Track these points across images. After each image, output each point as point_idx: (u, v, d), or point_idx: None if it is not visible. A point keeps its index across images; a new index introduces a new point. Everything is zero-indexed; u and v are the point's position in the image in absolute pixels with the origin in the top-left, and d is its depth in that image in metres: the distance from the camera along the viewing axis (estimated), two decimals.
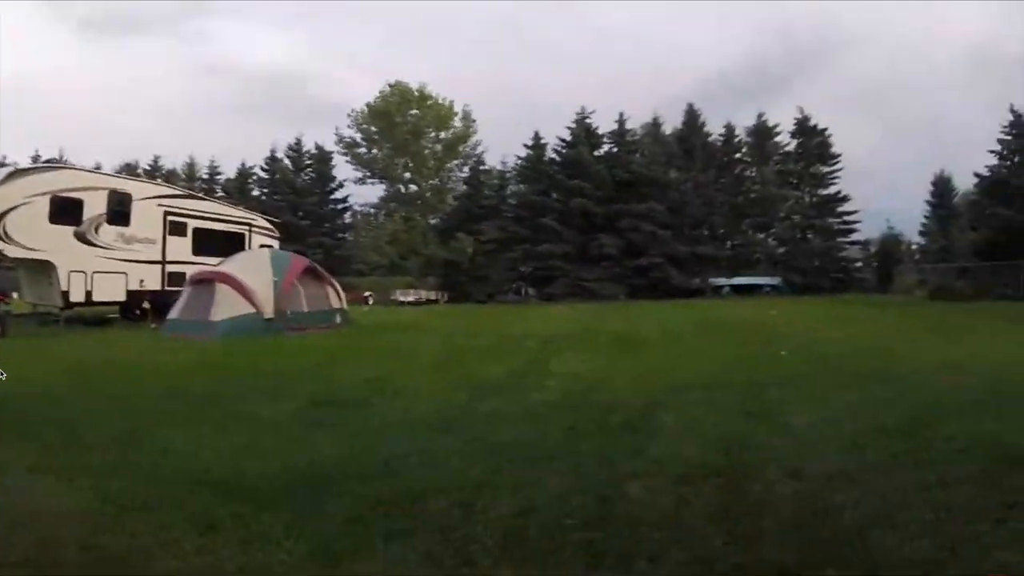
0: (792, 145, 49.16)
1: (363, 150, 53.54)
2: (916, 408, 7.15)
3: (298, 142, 52.50)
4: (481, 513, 4.00)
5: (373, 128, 52.47)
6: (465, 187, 50.27)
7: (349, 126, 53.01)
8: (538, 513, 4.03)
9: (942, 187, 48.52)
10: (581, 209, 42.89)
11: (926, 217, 49.31)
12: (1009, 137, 38.57)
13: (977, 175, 40.35)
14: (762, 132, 48.94)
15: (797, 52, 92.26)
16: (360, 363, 11.20)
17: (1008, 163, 38.44)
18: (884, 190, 77.14)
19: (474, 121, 53.15)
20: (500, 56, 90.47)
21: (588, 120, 46.38)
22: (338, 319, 18.08)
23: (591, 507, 4.18)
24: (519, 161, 47.95)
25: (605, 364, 11.17)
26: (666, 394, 8.13)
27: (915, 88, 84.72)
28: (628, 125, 47.06)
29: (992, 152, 39.22)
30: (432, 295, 40.98)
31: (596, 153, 45.95)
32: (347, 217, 55.15)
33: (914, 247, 52.33)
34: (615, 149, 46.54)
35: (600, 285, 41.32)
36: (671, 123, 49.67)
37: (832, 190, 48.28)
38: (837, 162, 47.94)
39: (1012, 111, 38.35)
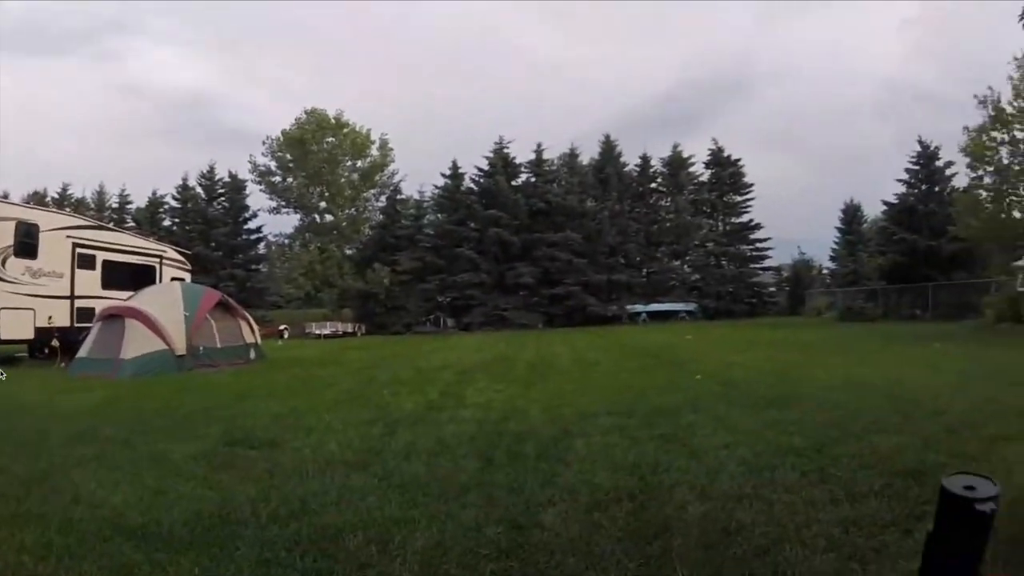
0: (706, 175, 52.90)
1: (278, 178, 53.58)
2: (823, 427, 7.89)
3: (211, 170, 53.12)
4: (398, 548, 4.25)
5: (288, 156, 52.55)
6: (382, 217, 51.42)
7: (263, 154, 53.06)
8: (454, 545, 4.32)
9: (852, 214, 52.74)
10: (498, 239, 44.79)
11: (836, 243, 53.52)
12: (916, 167, 42.93)
13: (885, 203, 44.82)
14: (677, 162, 52.22)
15: (713, 85, 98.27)
16: (273, 400, 11.40)
17: (915, 191, 42.58)
18: (796, 219, 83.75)
19: (391, 150, 53.97)
20: (419, 85, 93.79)
21: (506, 150, 48.57)
22: (252, 354, 18.39)
23: (505, 537, 4.49)
24: (436, 190, 49.32)
25: (520, 393, 11.65)
26: (579, 421, 8.67)
27: (828, 121, 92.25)
28: (546, 155, 49.36)
29: (900, 181, 43.44)
30: (349, 327, 41.64)
31: (514, 183, 47.99)
32: (261, 248, 55.17)
33: (825, 272, 56.54)
34: (532, 179, 48.77)
35: (517, 314, 43.40)
36: (588, 153, 52.21)
37: (745, 218, 52.52)
38: (749, 191, 52.22)
39: (920, 142, 43.00)
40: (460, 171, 49.12)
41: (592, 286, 46.22)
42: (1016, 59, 26.30)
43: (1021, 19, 8.29)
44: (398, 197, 52.05)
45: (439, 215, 49.87)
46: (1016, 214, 28.38)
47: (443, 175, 49.42)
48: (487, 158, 48.65)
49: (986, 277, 34.22)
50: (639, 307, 46.54)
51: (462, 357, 20.09)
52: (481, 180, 48.53)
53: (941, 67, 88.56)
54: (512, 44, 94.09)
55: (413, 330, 42.45)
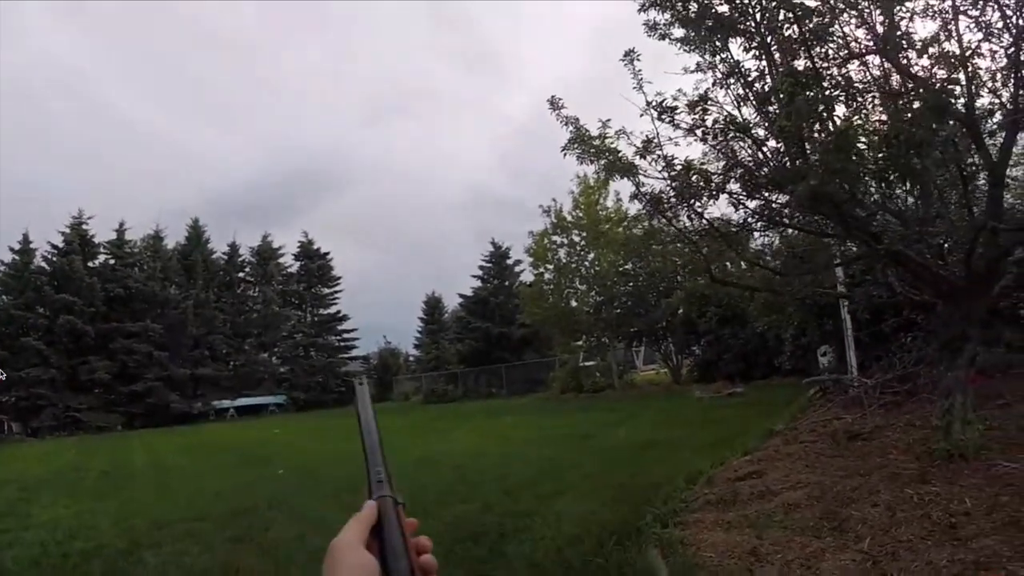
0: (295, 267, 54.20)
1: None
2: None
3: None
4: None
5: None
6: None
7: None
8: None
9: (433, 305, 56.43)
10: (70, 327, 40.46)
11: (419, 332, 56.88)
12: (489, 264, 48.06)
13: (462, 295, 49.00)
14: (266, 253, 52.86)
15: (305, 178, 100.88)
16: None
17: (488, 285, 47.62)
18: (382, 308, 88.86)
19: None
20: None
21: (85, 226, 44.42)
22: None
23: None
24: (1, 267, 42.52)
25: (89, 507, 11.16)
26: (151, 532, 8.63)
27: (416, 218, 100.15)
28: (128, 236, 46.41)
29: (475, 276, 48.33)
30: None
31: (91, 264, 44.04)
32: None
33: (411, 358, 58.98)
34: (112, 261, 45.30)
35: (93, 415, 39.54)
36: (174, 237, 50.07)
37: (332, 310, 54.82)
38: (338, 284, 54.80)
39: (492, 243, 48.49)
40: (31, 246, 43.10)
41: (175, 381, 43.92)
42: (578, 177, 31.34)
43: (563, 151, 9.67)
44: None
45: (3, 297, 42.62)
46: (573, 303, 33.51)
47: (11, 249, 42.68)
48: (63, 233, 43.69)
49: (552, 355, 38.97)
50: (226, 403, 45.10)
51: (27, 469, 18.55)
52: (54, 259, 43.06)
53: (518, 178, 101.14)
54: (95, 102, 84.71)
55: None
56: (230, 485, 12.56)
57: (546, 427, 17.69)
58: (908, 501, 5.59)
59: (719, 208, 10.58)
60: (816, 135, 7.92)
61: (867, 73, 8.48)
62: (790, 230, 11.56)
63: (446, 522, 7.67)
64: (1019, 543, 4.33)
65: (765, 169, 9.17)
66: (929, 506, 5.38)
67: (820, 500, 6.12)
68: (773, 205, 9.98)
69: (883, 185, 9.01)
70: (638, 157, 9.54)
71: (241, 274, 53.04)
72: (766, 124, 8.84)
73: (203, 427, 36.33)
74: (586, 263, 32.24)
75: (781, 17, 8.31)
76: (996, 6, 7.24)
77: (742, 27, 8.78)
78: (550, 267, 33.38)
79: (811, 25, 7.90)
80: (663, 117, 9.19)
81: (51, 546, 8.36)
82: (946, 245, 10.00)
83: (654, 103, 9.20)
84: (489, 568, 6.12)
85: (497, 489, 9.55)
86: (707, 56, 9.35)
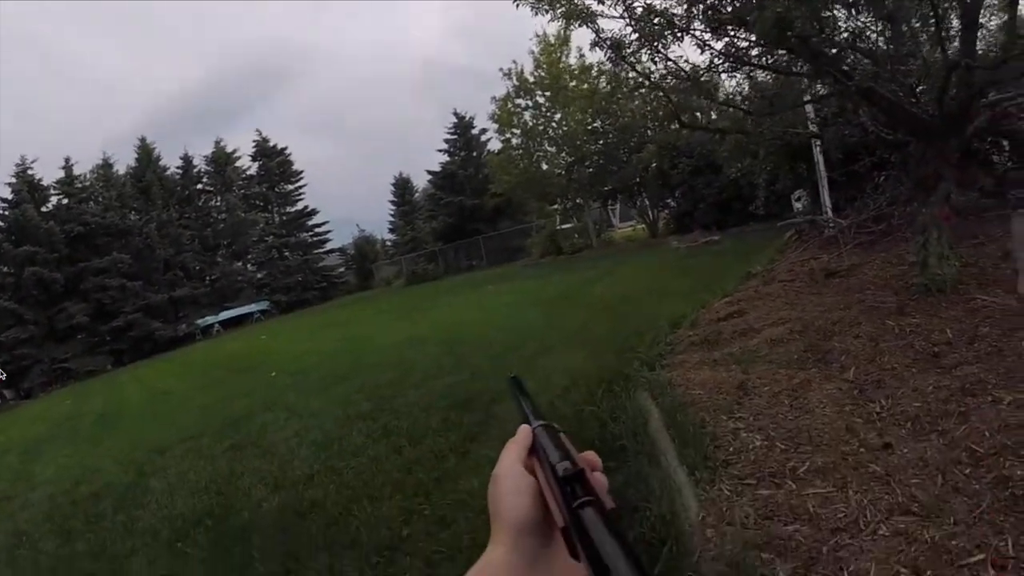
0: (254, 168, 52.67)
1: None
2: (385, 386, 9.03)
3: None
4: None
5: None
6: None
7: None
8: None
9: (403, 187, 55.62)
10: (37, 279, 39.37)
11: (392, 216, 56.38)
12: (455, 136, 47.18)
13: (430, 172, 48.21)
14: (222, 159, 51.26)
15: (252, 75, 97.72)
16: None
17: (456, 158, 46.76)
18: (351, 198, 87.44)
19: None
20: None
21: (31, 171, 42.31)
22: None
23: None
24: None
25: (89, 451, 11.56)
26: (153, 459, 9.03)
27: (372, 101, 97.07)
28: (76, 171, 44.61)
29: (441, 151, 47.47)
30: None
31: (44, 209, 42.35)
32: None
33: (388, 243, 58.81)
34: (65, 200, 43.63)
35: (81, 361, 38.98)
36: (124, 162, 48.32)
37: (300, 206, 53.34)
38: (300, 179, 53.32)
39: (455, 114, 47.38)
40: None
41: (154, 308, 43.16)
42: (536, 36, 30.62)
43: (515, 1, 9.33)
44: None
45: None
46: (544, 166, 33.12)
47: None
48: (10, 184, 41.65)
49: (527, 222, 38.91)
50: (210, 319, 44.77)
51: (25, 431, 18.41)
52: (6, 213, 41.33)
53: (474, 46, 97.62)
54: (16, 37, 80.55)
55: None
56: (223, 397, 12.89)
57: (527, 291, 18.08)
58: (890, 332, 5.70)
59: (685, 53, 10.35)
60: None
61: None
62: (759, 74, 11.35)
63: (437, 393, 8.06)
64: (1003, 370, 4.40)
65: (729, 5, 8.91)
66: (911, 337, 5.53)
67: (802, 335, 6.28)
68: (739, 44, 9.75)
69: (853, 19, 8.81)
70: (596, 2, 9.25)
71: (199, 186, 51.46)
72: None
73: (191, 348, 36.53)
74: (553, 124, 31.72)
75: None
76: None
77: None
78: (516, 132, 32.95)
79: None
80: None
81: (59, 498, 8.68)
82: (919, 87, 9.85)
83: None
84: (483, 429, 6.27)
85: (484, 356, 9.81)
86: None
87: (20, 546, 7.03)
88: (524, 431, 0.90)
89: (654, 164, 26.87)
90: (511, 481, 0.82)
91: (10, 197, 41.33)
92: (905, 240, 8.71)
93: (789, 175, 15.13)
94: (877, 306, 6.57)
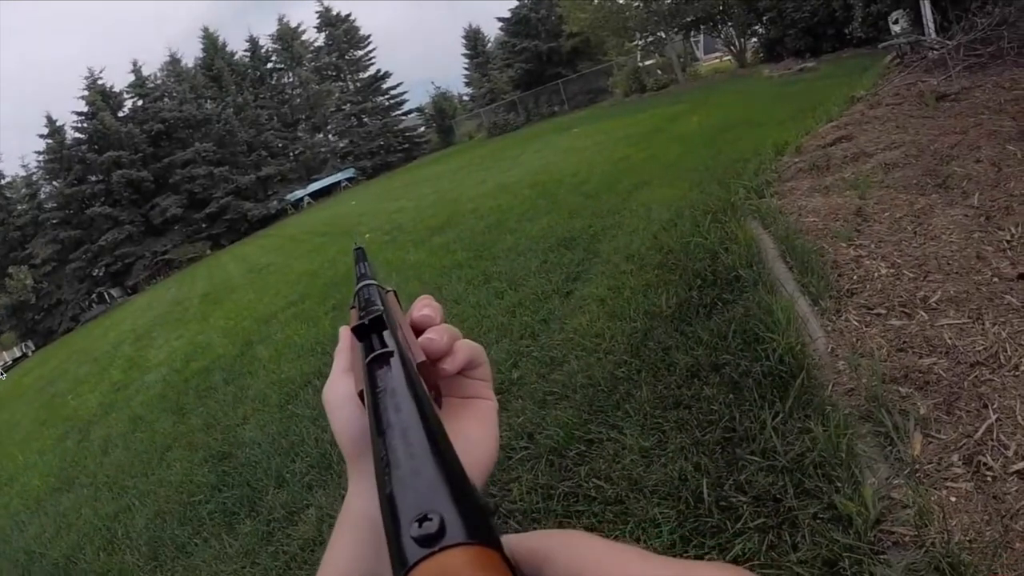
0: (320, 39, 52.38)
1: None
2: (481, 232, 9.28)
3: None
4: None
5: None
6: None
7: None
8: (171, 506, 4.84)
9: (474, 38, 54.36)
10: (126, 180, 40.94)
11: (466, 69, 55.34)
12: None
13: (500, 19, 46.48)
14: (287, 35, 51.10)
15: None
16: None
17: (526, 1, 44.50)
18: (422, 58, 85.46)
19: None
20: None
21: (101, 81, 43.20)
22: None
23: (214, 471, 5.05)
24: (41, 156, 42.46)
25: (199, 329, 12.05)
26: (260, 328, 9.40)
27: None
28: (145, 71, 45.29)
29: None
30: (16, 352, 36.45)
31: (120, 114, 43.39)
32: None
33: (465, 98, 58.53)
34: (140, 102, 44.43)
35: (181, 251, 40.63)
36: (191, 55, 49.43)
37: (372, 71, 53.00)
38: (369, 43, 52.77)
39: None
40: (58, 124, 42.42)
41: (244, 190, 44.53)
42: None
43: None
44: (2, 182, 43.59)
45: (54, 183, 42.74)
46: (620, 0, 31.13)
47: (40, 136, 42.37)
48: (83, 98, 42.42)
49: (607, 61, 37.46)
50: (299, 192, 45.64)
51: (136, 321, 19.39)
52: (85, 125, 42.42)
53: None
54: None
55: (82, 321, 37.42)
56: (322, 263, 13.15)
57: (615, 130, 17.56)
58: (1012, 158, 5.29)
59: None
60: None
61: None
62: None
63: (533, 236, 8.05)
64: None
65: None
66: None
67: (919, 158, 5.86)
68: None
69: None
70: None
71: (269, 65, 51.76)
72: None
73: (285, 223, 37.23)
74: None
75: None
76: None
77: None
78: None
79: None
80: None
81: (171, 376, 9.09)
82: None
83: None
84: (585, 268, 6.16)
85: (579, 195, 9.69)
86: None
87: (137, 429, 7.35)
88: (342, 332, 0.68)
89: None
90: (332, 395, 0.61)
91: (86, 109, 42.33)
92: (1017, 64, 8.13)
93: None
94: (996, 130, 6.09)
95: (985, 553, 2.11)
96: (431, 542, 0.28)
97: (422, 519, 0.29)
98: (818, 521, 2.45)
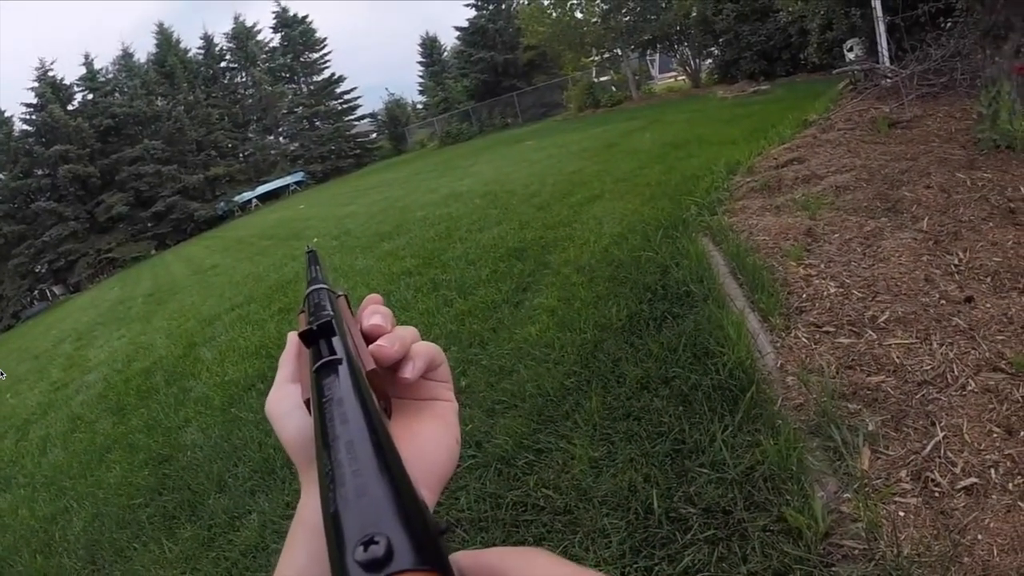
0: (276, 40, 51.62)
1: None
2: (431, 241, 9.22)
3: None
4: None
5: None
6: None
7: None
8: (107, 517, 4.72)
9: (430, 46, 54.04)
10: (73, 175, 40.13)
11: (421, 76, 55.08)
12: None
13: (458, 28, 45.94)
14: (242, 34, 50.29)
15: None
16: None
17: (484, 11, 44.40)
18: (377, 64, 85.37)
19: None
20: None
21: (52, 73, 42.19)
22: None
23: (154, 474, 5.01)
24: None
25: (141, 329, 11.95)
26: (204, 329, 9.36)
27: None
28: (97, 64, 44.41)
29: (468, 4, 44.89)
30: None
31: (70, 107, 42.50)
32: None
33: (419, 106, 58.10)
34: (90, 96, 43.58)
35: (125, 249, 39.91)
36: (143, 50, 47.92)
37: (327, 74, 52.41)
38: (324, 46, 52.11)
39: None
40: (6, 115, 41.26)
41: (191, 190, 43.89)
42: None
43: None
44: None
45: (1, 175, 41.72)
46: (578, 15, 31.38)
47: None
48: (33, 89, 41.57)
49: (563, 76, 37.50)
50: (247, 194, 45.14)
51: (78, 320, 19.20)
52: (34, 117, 41.45)
53: None
54: None
55: (22, 318, 36.56)
56: (269, 266, 13.16)
57: (568, 144, 17.77)
58: (961, 185, 5.48)
59: None
60: None
61: None
62: None
63: (484, 245, 8.11)
64: None
65: None
66: (984, 190, 5.26)
67: (869, 182, 6.06)
68: None
69: None
70: None
71: (223, 64, 50.99)
72: None
73: (231, 224, 36.99)
74: None
75: None
76: None
77: None
78: None
79: None
80: None
81: (112, 376, 8.96)
82: None
83: None
84: (536, 278, 6.16)
85: (530, 206, 9.72)
86: None
87: (77, 429, 7.26)
88: (289, 338, 0.66)
89: (695, 12, 25.59)
90: (275, 407, 0.59)
91: (35, 101, 41.51)
92: (969, 95, 8.36)
93: (844, 21, 14.28)
94: (946, 158, 6.31)
95: (935, 567, 2.14)
96: (377, 567, 0.27)
97: (368, 542, 0.28)
98: (768, 533, 2.48)
